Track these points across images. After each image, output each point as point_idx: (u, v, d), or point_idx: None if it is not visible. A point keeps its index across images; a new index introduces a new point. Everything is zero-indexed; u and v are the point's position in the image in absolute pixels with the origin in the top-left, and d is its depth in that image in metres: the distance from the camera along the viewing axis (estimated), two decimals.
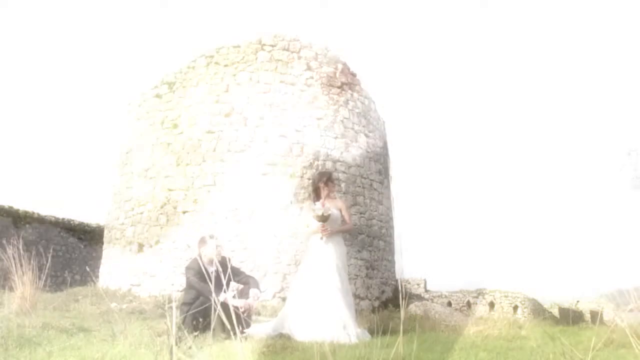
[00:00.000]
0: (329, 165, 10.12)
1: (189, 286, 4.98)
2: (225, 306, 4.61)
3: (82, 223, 15.70)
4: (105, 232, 11.80)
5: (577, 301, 27.17)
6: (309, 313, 5.00)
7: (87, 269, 15.08)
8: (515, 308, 17.05)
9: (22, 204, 13.81)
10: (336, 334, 4.71)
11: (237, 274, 5.32)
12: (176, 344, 2.02)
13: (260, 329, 5.17)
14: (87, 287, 10.58)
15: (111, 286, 10.46)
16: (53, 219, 14.57)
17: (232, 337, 4.52)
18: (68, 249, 14.75)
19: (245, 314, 4.78)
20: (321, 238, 5.22)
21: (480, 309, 16.86)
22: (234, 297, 5.02)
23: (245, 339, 4.59)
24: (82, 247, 15.35)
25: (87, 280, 13.87)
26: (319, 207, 5.23)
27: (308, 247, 5.46)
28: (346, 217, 5.51)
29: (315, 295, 5.08)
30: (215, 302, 4.65)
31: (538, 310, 16.74)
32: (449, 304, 16.74)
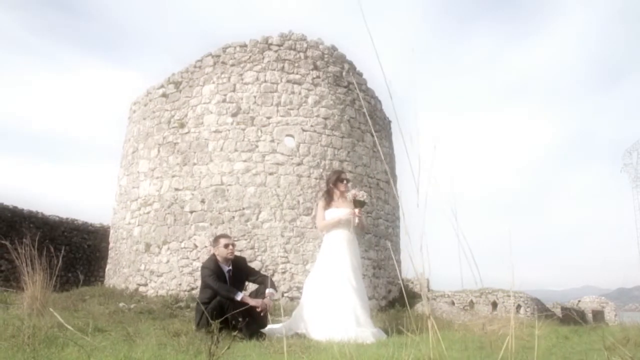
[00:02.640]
0: (335, 164, 10.11)
1: (205, 285, 4.96)
2: (242, 305, 4.61)
3: (86, 223, 15.65)
4: (112, 231, 11.78)
5: (579, 300, 27.18)
6: (324, 312, 4.99)
7: (92, 268, 15.06)
8: (518, 307, 17.06)
9: (25, 204, 13.78)
10: (352, 333, 4.70)
11: (252, 274, 5.33)
12: (215, 345, 2.00)
13: (274, 329, 5.16)
14: (94, 287, 10.56)
15: (117, 286, 10.45)
16: (57, 218, 14.53)
17: (249, 336, 4.50)
18: (72, 249, 14.70)
19: (262, 314, 4.77)
20: (357, 223, 5.30)
21: (483, 308, 16.86)
22: (249, 296, 5.01)
23: (263, 338, 4.58)
24: (86, 247, 15.30)
25: (91, 280, 13.83)
26: (356, 192, 5.36)
27: (322, 246, 5.46)
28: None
29: (330, 294, 5.07)
30: (232, 301, 4.64)
31: (541, 310, 16.75)
32: (452, 303, 16.75)
